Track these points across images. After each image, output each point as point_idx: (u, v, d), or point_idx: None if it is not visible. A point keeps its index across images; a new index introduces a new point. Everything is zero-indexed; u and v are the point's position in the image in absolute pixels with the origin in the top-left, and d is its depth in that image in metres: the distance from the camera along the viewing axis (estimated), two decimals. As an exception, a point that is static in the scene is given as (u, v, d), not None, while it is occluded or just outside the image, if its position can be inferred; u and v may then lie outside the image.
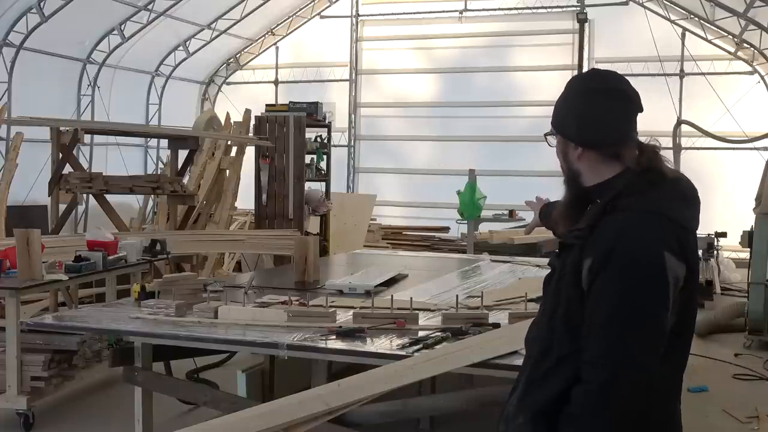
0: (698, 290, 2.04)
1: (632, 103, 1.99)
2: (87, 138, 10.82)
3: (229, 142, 9.61)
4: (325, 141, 10.33)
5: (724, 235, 10.83)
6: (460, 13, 15.01)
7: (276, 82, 16.29)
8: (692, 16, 13.02)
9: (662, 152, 2.01)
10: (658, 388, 1.87)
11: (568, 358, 1.90)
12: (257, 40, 16.33)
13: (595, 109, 1.98)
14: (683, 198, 1.96)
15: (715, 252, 10.96)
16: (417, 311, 4.02)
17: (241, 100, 14.00)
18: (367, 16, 15.76)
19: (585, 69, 13.40)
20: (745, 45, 12.89)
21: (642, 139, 2.01)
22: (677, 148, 10.64)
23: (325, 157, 10.24)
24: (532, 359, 2.02)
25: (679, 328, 1.91)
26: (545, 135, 2.12)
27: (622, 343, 1.80)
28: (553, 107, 2.12)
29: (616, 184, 1.94)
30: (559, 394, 1.90)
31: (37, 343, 5.30)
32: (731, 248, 11.46)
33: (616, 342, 1.81)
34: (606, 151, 1.97)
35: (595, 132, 1.98)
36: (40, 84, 12.18)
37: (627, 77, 2.06)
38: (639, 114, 2.00)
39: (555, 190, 2.21)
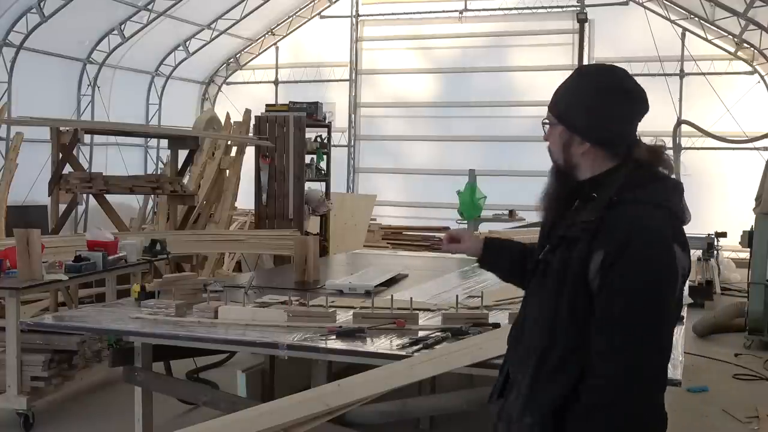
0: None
1: (644, 104, 2.01)
2: (87, 138, 10.85)
3: (229, 142, 9.60)
4: (325, 141, 10.32)
5: (724, 235, 10.83)
6: (460, 13, 15.01)
7: (276, 82, 16.29)
8: (692, 16, 13.02)
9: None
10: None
11: (575, 353, 1.90)
12: (257, 40, 16.34)
13: (610, 109, 1.97)
14: (678, 191, 1.99)
15: (715, 252, 10.96)
16: (417, 311, 4.01)
17: (241, 100, 13.99)
18: (367, 16, 15.77)
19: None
20: (745, 45, 12.89)
21: (648, 139, 2.03)
22: (677, 148, 10.64)
23: (325, 157, 10.22)
24: (537, 356, 1.98)
25: None
26: (543, 122, 2.08)
27: (636, 336, 1.82)
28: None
29: (617, 177, 1.95)
30: (568, 390, 1.89)
31: (37, 343, 5.30)
32: (731, 248, 11.46)
33: (631, 335, 1.82)
34: (614, 149, 1.98)
35: (608, 131, 1.98)
36: (40, 84, 12.19)
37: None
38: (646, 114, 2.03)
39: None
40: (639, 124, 2.02)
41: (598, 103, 1.98)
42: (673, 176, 2.03)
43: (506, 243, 2.56)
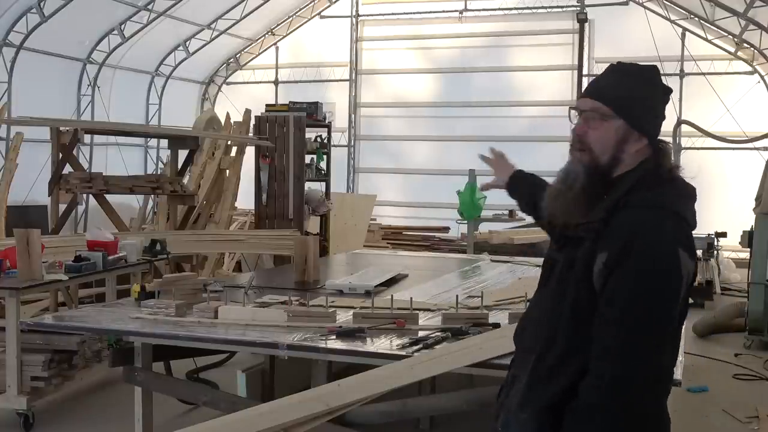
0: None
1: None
2: (87, 138, 10.84)
3: (229, 142, 9.60)
4: (325, 141, 10.32)
5: (724, 235, 10.83)
6: (460, 13, 15.01)
7: (276, 82, 16.29)
8: (692, 16, 13.02)
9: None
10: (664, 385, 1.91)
11: (575, 352, 1.89)
12: (257, 40, 16.33)
13: (660, 108, 2.04)
14: (687, 195, 1.98)
15: (715, 252, 10.96)
16: (417, 311, 4.02)
17: (241, 100, 14.00)
18: (367, 16, 15.77)
19: (585, 69, 13.42)
20: (745, 45, 12.89)
21: None
22: (677, 148, 10.65)
23: (325, 157, 10.23)
24: (536, 353, 1.98)
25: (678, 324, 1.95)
26: (592, 111, 1.98)
27: (636, 340, 1.82)
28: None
29: (629, 179, 1.95)
30: (565, 388, 1.89)
31: (37, 343, 5.29)
32: (731, 248, 11.47)
33: (630, 338, 1.82)
34: (653, 147, 2.00)
35: (656, 127, 2.02)
36: (40, 84, 12.19)
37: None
38: None
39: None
40: None
41: (655, 101, 2.02)
42: (683, 179, 2.01)
43: (531, 180, 2.69)
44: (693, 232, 1.97)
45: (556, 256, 2.03)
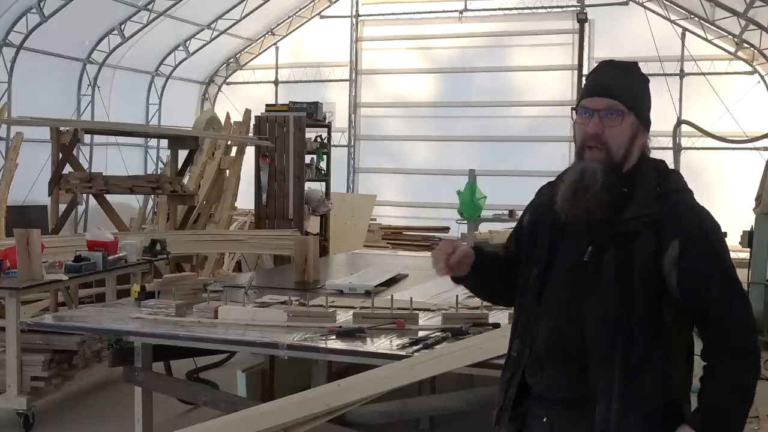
0: None
1: None
2: (87, 138, 10.83)
3: (229, 142, 9.61)
4: (325, 141, 10.33)
5: (724, 235, 10.81)
6: (460, 13, 15.00)
7: (276, 82, 16.28)
8: (692, 16, 13.01)
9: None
10: None
11: (656, 344, 1.93)
12: (257, 40, 16.33)
13: (650, 99, 2.11)
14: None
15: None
16: (417, 311, 4.02)
17: (241, 100, 13.98)
18: (367, 16, 15.76)
19: (585, 69, 13.41)
20: (745, 45, 12.89)
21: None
22: (677, 148, 10.61)
23: (325, 157, 10.23)
24: (619, 357, 1.91)
25: None
26: (610, 108, 1.97)
27: (749, 310, 1.97)
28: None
29: (648, 170, 2.01)
30: (663, 380, 1.93)
31: (37, 343, 5.29)
32: (731, 248, 11.37)
33: (747, 309, 1.96)
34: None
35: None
36: (40, 84, 12.18)
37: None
38: None
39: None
40: None
41: (649, 95, 2.09)
42: None
43: (492, 258, 2.30)
44: None
45: (594, 258, 1.97)
